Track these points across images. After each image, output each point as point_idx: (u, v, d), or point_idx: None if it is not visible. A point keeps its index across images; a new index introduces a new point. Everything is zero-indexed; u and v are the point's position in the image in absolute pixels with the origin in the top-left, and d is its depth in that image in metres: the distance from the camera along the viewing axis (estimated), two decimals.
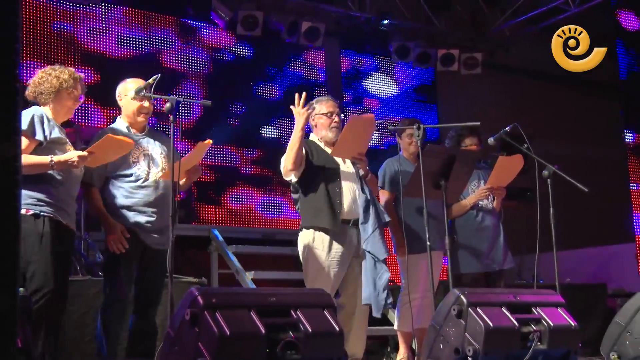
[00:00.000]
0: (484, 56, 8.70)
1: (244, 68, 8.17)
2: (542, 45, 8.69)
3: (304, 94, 4.25)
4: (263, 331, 2.74)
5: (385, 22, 8.45)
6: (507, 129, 4.66)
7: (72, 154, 3.55)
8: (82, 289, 4.36)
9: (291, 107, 4.27)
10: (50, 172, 3.55)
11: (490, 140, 4.72)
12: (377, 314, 4.21)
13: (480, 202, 4.94)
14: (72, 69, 3.77)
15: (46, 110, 3.67)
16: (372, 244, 4.17)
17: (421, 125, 4.24)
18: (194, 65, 7.84)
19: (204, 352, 2.66)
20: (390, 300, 4.16)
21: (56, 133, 3.63)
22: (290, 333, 2.84)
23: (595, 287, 7.22)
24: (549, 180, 4.53)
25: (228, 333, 2.66)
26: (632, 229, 9.22)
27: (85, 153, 3.57)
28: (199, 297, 2.74)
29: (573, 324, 3.45)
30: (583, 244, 8.41)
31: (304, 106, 4.25)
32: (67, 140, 3.74)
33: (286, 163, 4.25)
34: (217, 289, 4.46)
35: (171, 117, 3.60)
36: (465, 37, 8.77)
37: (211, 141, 4.03)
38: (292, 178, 4.32)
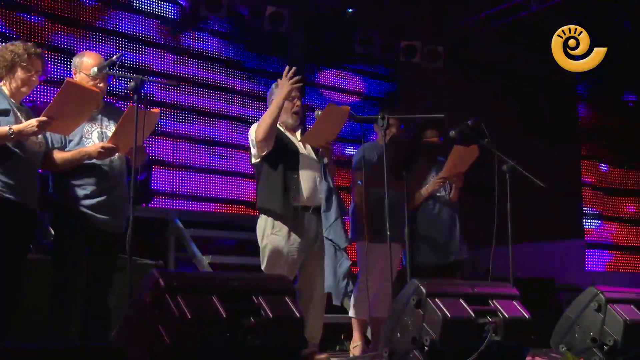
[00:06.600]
0: (447, 50, 8.76)
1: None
2: (504, 41, 8.82)
3: (294, 67, 4.29)
4: (224, 315, 2.74)
5: (350, 11, 8.45)
6: (468, 122, 4.72)
7: (30, 121, 3.47)
8: (38, 269, 4.26)
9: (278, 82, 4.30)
10: (7, 147, 3.46)
11: (452, 133, 4.77)
12: (337, 302, 4.24)
13: (438, 193, 4.99)
14: (31, 44, 3.70)
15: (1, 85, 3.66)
16: (335, 232, 4.19)
17: (385, 115, 4.27)
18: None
19: (163, 334, 2.64)
20: (350, 288, 4.20)
21: (4, 105, 3.55)
22: (251, 318, 2.84)
23: (544, 281, 7.37)
24: (507, 175, 4.61)
25: (189, 316, 2.65)
26: (581, 226, 9.43)
27: (44, 118, 3.46)
28: (161, 280, 2.72)
29: (527, 317, 3.53)
30: (532, 239, 8.56)
31: (292, 78, 4.25)
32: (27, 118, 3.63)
33: (257, 132, 4.19)
34: (179, 272, 4.43)
35: (135, 97, 3.54)
36: (428, 30, 8.82)
37: (158, 110, 3.88)
38: (255, 155, 4.27)
